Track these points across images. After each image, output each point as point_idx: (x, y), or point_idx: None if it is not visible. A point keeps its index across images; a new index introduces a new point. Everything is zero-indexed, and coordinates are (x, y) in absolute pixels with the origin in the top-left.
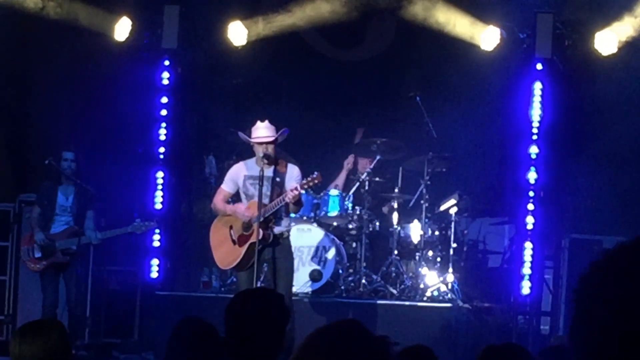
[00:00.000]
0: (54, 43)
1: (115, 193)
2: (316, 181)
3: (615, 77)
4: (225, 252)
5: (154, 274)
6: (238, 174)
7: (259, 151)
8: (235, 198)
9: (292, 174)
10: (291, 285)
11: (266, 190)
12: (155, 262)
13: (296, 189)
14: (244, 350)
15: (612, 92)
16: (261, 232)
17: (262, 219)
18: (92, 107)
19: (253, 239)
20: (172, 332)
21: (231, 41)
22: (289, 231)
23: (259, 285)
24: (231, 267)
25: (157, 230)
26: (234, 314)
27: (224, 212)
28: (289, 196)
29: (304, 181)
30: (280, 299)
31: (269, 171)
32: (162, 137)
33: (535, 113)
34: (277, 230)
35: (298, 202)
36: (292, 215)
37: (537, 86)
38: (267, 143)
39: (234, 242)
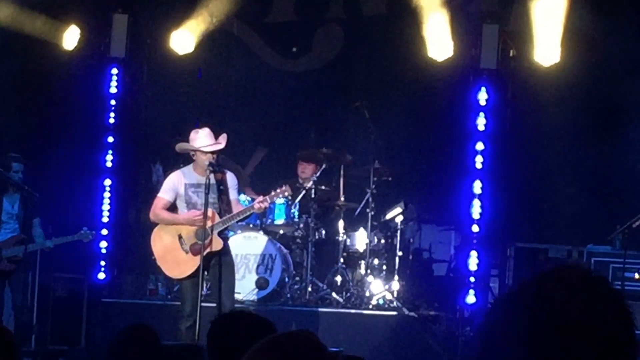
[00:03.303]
0: (1, 50)
1: (63, 200)
2: (286, 193)
3: (557, 86)
4: (176, 261)
5: (101, 281)
6: (179, 182)
7: (204, 160)
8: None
9: (233, 182)
10: (234, 286)
11: (211, 198)
12: (102, 269)
13: (265, 200)
14: None
15: (555, 102)
16: (221, 242)
17: (221, 228)
18: (41, 115)
19: (212, 249)
20: (110, 343)
21: (175, 51)
22: (228, 233)
23: (204, 292)
24: (184, 277)
25: (105, 235)
26: (219, 336)
27: (172, 222)
28: (257, 207)
29: (273, 193)
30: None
31: (212, 179)
32: (110, 147)
33: (480, 122)
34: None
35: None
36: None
37: (482, 97)
38: (214, 152)
39: (186, 251)
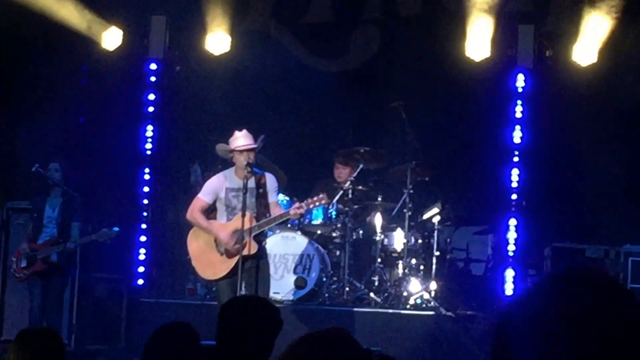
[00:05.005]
0: (43, 48)
1: (101, 201)
2: (323, 201)
3: (595, 86)
4: (210, 262)
5: (140, 281)
6: (221, 185)
7: (241, 160)
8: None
9: (272, 184)
10: (269, 291)
11: (249, 201)
12: (141, 269)
13: (301, 207)
14: (233, 357)
15: (591, 101)
16: (257, 246)
17: (257, 232)
18: (81, 116)
19: (249, 252)
20: (149, 338)
21: (212, 52)
22: (266, 235)
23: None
24: (217, 278)
25: (144, 238)
26: (227, 319)
27: (205, 229)
28: (293, 213)
29: (310, 200)
30: (274, 309)
31: (251, 182)
32: (149, 147)
33: (517, 129)
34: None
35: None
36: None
37: (519, 91)
38: (248, 150)
39: (220, 253)
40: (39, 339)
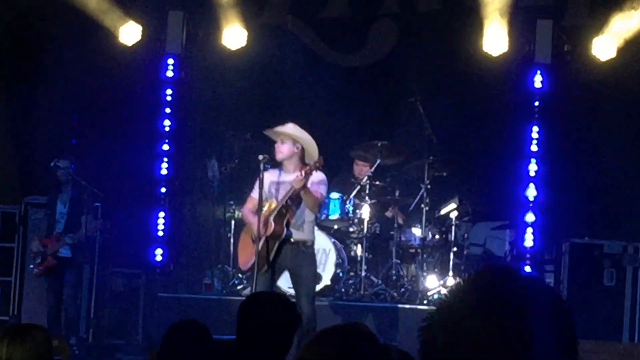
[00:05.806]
0: (60, 41)
1: (121, 196)
2: (317, 165)
3: (614, 81)
4: (247, 253)
5: (157, 276)
6: (267, 179)
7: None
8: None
9: (317, 178)
10: (313, 293)
11: (276, 193)
12: (158, 264)
13: (300, 175)
14: (251, 353)
15: (610, 95)
16: (273, 224)
17: (274, 213)
18: (98, 112)
19: (266, 233)
20: (164, 336)
21: (229, 47)
22: (313, 241)
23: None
24: (250, 266)
25: (161, 233)
26: (245, 315)
27: (247, 221)
28: (294, 182)
29: (307, 167)
30: (291, 305)
31: (290, 176)
32: (166, 142)
33: (535, 124)
34: (299, 236)
35: (310, 197)
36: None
37: (537, 85)
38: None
39: (253, 241)
40: (25, 334)
